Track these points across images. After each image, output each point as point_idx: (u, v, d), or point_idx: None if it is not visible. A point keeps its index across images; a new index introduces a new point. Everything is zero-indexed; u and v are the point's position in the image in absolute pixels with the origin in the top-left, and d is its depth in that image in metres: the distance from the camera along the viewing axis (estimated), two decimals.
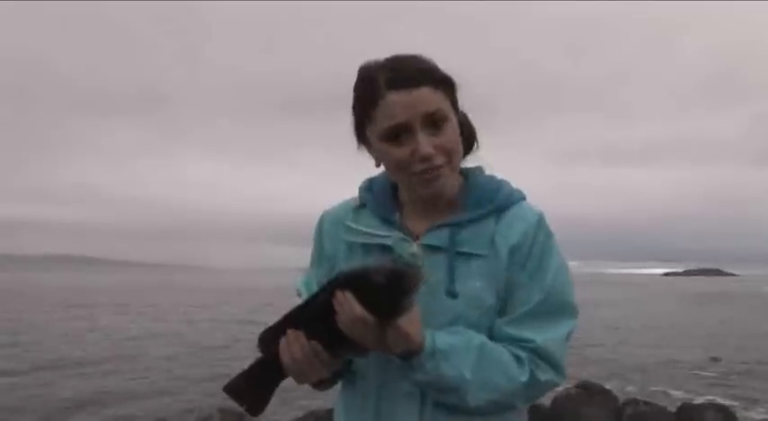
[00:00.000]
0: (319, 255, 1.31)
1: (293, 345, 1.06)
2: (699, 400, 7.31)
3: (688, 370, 13.49)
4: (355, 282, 1.00)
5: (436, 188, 1.16)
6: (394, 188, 1.27)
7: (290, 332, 1.07)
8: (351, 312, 0.99)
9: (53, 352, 14.77)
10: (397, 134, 1.12)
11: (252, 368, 1.13)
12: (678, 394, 10.26)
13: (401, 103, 1.10)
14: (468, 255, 1.16)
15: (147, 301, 35.74)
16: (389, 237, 1.19)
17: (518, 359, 1.12)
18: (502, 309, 1.16)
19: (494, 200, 1.20)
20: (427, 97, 1.11)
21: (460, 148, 1.19)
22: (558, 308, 1.16)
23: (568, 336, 1.17)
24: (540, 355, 1.13)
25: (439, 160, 1.13)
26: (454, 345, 1.08)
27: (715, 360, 14.54)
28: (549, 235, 1.20)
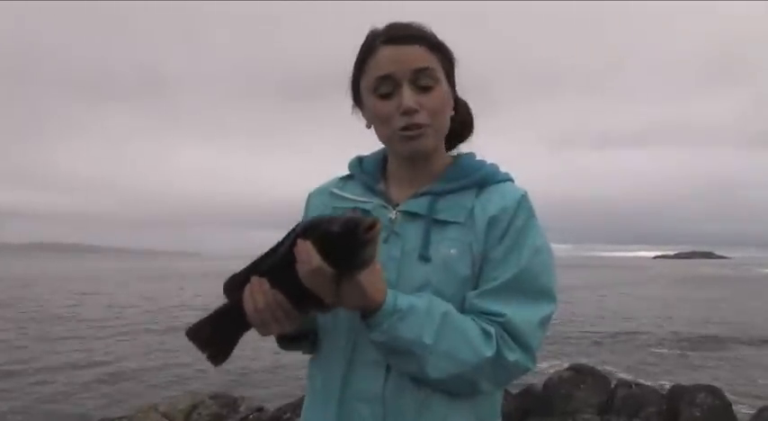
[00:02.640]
0: None
1: (257, 294, 1.03)
2: (688, 382, 7.34)
3: (680, 351, 13.63)
4: (313, 231, 0.97)
5: (415, 147, 1.16)
6: (383, 164, 1.29)
7: (254, 279, 1.04)
8: (309, 262, 0.96)
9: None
10: (386, 89, 1.14)
11: (216, 314, 1.09)
12: (668, 376, 10.35)
13: (391, 56, 1.14)
14: (445, 223, 1.15)
15: (142, 287, 35.71)
16: (370, 203, 1.21)
17: (486, 333, 1.07)
18: (476, 283, 1.13)
19: (476, 174, 1.21)
20: (419, 54, 1.14)
21: (447, 115, 1.19)
22: (533, 288, 1.12)
23: (544, 322, 1.12)
24: (509, 332, 1.07)
25: (422, 118, 1.14)
26: (415, 307, 1.04)
27: (710, 344, 14.66)
28: (531, 214, 1.17)
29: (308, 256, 0.96)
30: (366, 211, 1.16)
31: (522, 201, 1.17)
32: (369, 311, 1.04)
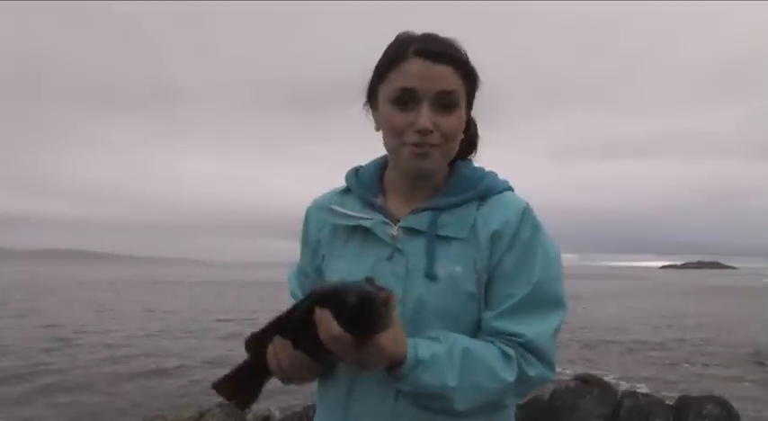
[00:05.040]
0: (304, 243, 1.32)
1: (280, 353, 1.08)
2: (697, 393, 7.30)
3: (688, 362, 13.53)
4: (330, 300, 1.01)
5: (420, 166, 1.16)
6: (381, 175, 1.28)
7: (276, 340, 1.09)
8: (328, 330, 0.99)
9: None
10: (406, 100, 1.12)
11: (240, 368, 1.17)
12: (677, 386, 10.28)
13: (421, 71, 1.11)
14: (448, 239, 1.15)
15: (156, 297, 35.72)
16: (371, 219, 1.20)
17: (506, 356, 1.10)
18: (486, 301, 1.15)
19: (477, 186, 1.20)
20: (448, 76, 1.12)
21: (458, 140, 1.18)
22: (546, 300, 1.14)
23: (557, 329, 1.15)
24: (530, 350, 1.11)
25: (434, 139, 1.13)
26: (436, 354, 1.06)
27: (717, 355, 14.56)
28: (536, 225, 1.18)
29: (328, 325, 0.98)
30: (369, 230, 1.18)
31: (526, 214, 1.17)
32: (392, 365, 1.05)
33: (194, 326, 19.33)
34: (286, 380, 1.12)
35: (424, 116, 1.11)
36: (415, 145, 1.13)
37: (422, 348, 1.05)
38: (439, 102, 1.12)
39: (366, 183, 1.27)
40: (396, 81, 1.13)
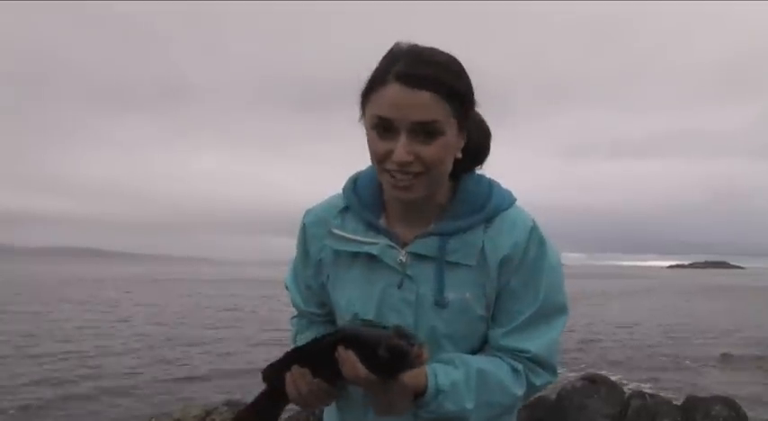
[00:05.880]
0: (304, 257, 1.29)
1: (299, 382, 1.10)
2: (704, 393, 7.27)
3: (696, 363, 13.46)
4: (357, 345, 1.02)
5: (402, 197, 1.11)
6: (380, 188, 1.21)
7: (295, 369, 1.11)
8: (353, 371, 1.01)
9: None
10: (385, 128, 1.06)
11: (259, 399, 1.22)
12: (685, 387, 10.23)
13: (397, 99, 1.04)
14: (457, 265, 1.14)
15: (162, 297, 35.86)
16: (376, 244, 1.17)
17: (515, 371, 1.15)
18: (493, 316, 1.17)
19: (484, 207, 1.17)
20: (426, 104, 1.03)
21: (447, 163, 1.11)
22: (551, 311, 1.18)
23: (560, 335, 1.20)
24: (536, 363, 1.17)
25: (416, 167, 1.07)
26: (456, 382, 1.09)
27: (725, 356, 14.47)
28: (541, 242, 1.17)
29: (354, 367, 1.00)
30: (374, 256, 1.17)
31: (533, 233, 1.16)
32: (414, 395, 1.07)
33: (196, 325, 19.37)
34: (305, 407, 1.14)
35: (401, 147, 1.04)
36: (395, 174, 1.08)
37: (441, 377, 1.08)
38: (419, 130, 1.04)
39: (367, 202, 1.21)
40: (374, 107, 1.07)
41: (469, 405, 1.09)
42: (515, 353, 1.15)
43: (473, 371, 1.10)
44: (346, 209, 1.23)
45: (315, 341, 1.10)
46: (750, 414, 6.61)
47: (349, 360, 1.01)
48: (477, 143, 1.20)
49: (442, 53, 1.09)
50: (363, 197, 1.22)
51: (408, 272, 1.15)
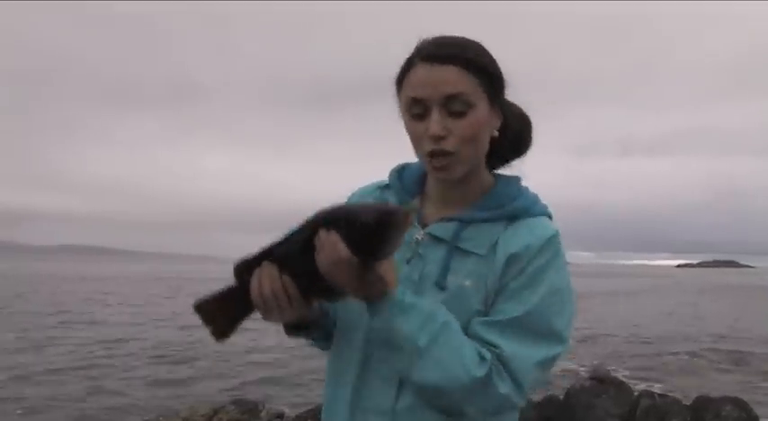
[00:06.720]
0: None
1: (264, 279, 1.04)
2: (714, 394, 7.21)
3: (706, 362, 13.38)
4: (341, 220, 0.96)
5: (441, 177, 1.16)
6: (425, 176, 1.27)
7: (264, 264, 1.04)
8: (334, 253, 0.96)
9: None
10: (418, 110, 1.11)
11: (223, 293, 1.10)
12: (694, 387, 10.17)
13: (423, 78, 1.09)
14: (467, 253, 1.14)
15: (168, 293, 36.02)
16: None
17: (481, 356, 1.05)
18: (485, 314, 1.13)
19: (509, 206, 1.17)
20: (452, 77, 1.08)
21: (483, 140, 1.14)
22: (540, 329, 1.08)
23: (544, 363, 1.08)
24: (504, 365, 1.05)
25: (450, 145, 1.09)
26: (420, 306, 1.04)
27: (736, 355, 14.37)
28: (556, 254, 1.13)
29: (335, 248, 0.96)
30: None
31: (550, 242, 1.13)
32: (376, 297, 1.04)
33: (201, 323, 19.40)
34: (267, 313, 1.06)
35: (434, 123, 1.08)
36: (432, 154, 1.11)
37: (408, 295, 1.05)
38: (449, 106, 1.08)
39: (407, 184, 1.27)
40: (407, 91, 1.12)
41: (422, 341, 1.02)
42: (486, 344, 1.06)
43: (440, 318, 1.05)
44: (387, 186, 1.30)
45: (294, 230, 1.03)
46: (762, 415, 6.56)
47: (329, 240, 0.96)
48: (516, 130, 1.22)
49: (467, 38, 1.14)
50: (405, 180, 1.28)
51: (420, 250, 1.16)
